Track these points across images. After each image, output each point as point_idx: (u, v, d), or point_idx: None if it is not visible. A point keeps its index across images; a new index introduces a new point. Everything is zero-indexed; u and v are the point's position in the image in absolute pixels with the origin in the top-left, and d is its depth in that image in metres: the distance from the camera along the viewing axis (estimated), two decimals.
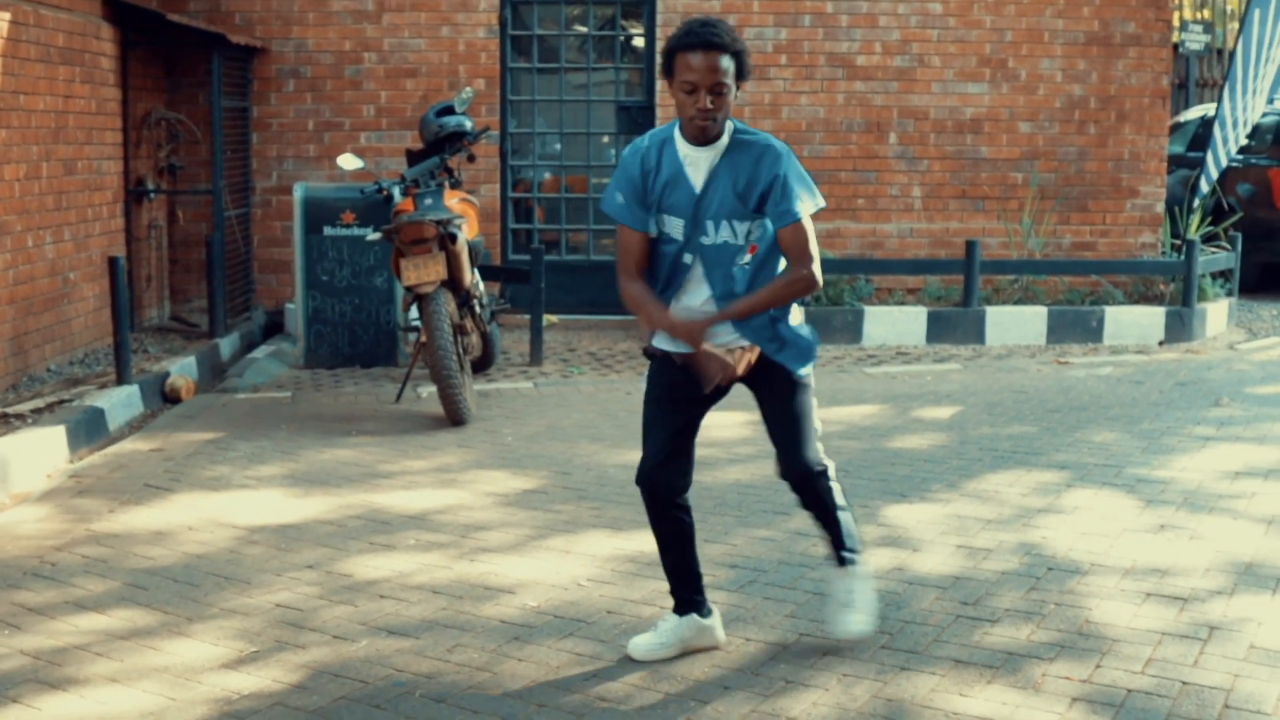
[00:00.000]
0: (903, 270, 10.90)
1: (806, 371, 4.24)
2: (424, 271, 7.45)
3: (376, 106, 11.12)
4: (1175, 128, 15.24)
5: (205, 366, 9.26)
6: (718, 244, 4.06)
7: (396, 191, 7.96)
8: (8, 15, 8.01)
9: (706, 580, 4.94)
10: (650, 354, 4.20)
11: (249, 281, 11.03)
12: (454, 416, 7.50)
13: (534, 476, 6.48)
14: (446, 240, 7.57)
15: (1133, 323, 10.60)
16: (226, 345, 9.89)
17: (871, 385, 8.81)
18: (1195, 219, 11.57)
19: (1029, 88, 11.34)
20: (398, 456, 6.90)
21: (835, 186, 11.29)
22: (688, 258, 4.08)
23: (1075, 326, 10.55)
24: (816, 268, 4.06)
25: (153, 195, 10.45)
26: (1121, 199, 11.51)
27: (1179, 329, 10.61)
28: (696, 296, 4.13)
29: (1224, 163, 11.83)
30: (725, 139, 4.05)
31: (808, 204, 4.05)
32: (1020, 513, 5.83)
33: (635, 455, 6.62)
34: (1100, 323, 10.57)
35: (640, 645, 4.27)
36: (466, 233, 7.95)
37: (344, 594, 4.84)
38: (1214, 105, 13.22)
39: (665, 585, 4.90)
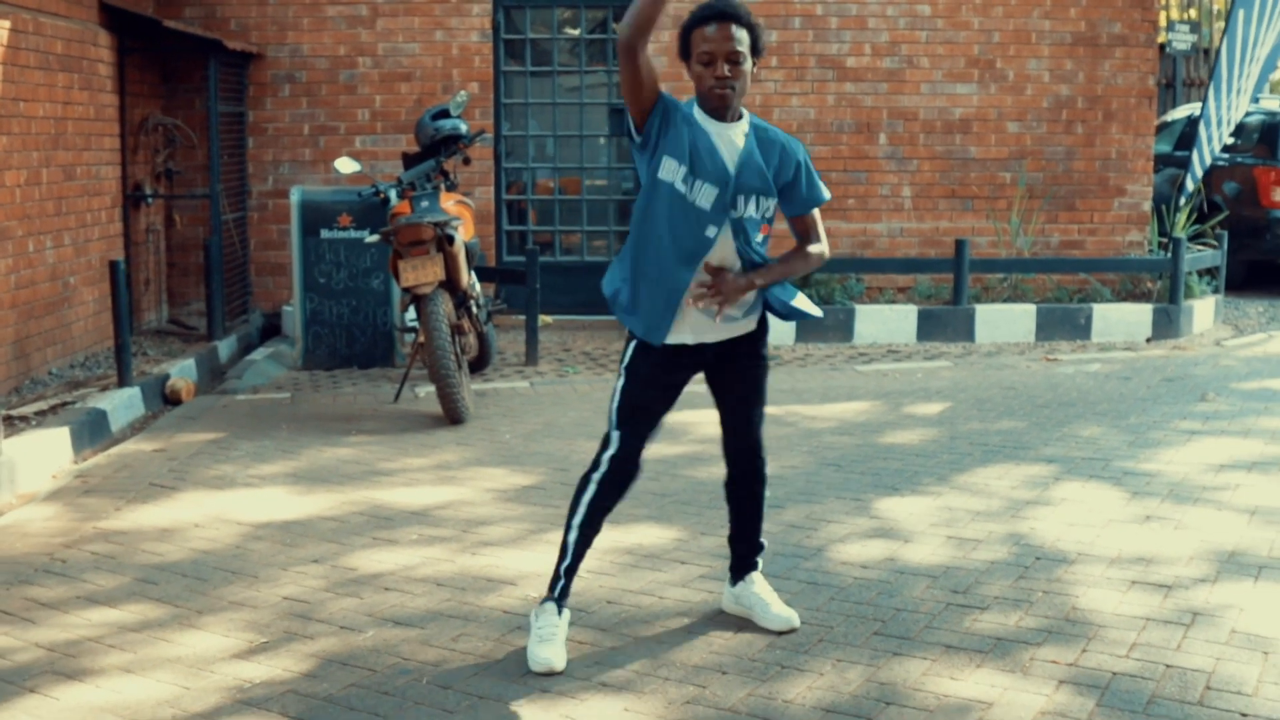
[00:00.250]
0: (893, 269, 11.03)
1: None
2: (422, 273, 7.57)
3: (371, 110, 11.23)
4: (1162, 127, 15.39)
5: (204, 369, 9.37)
6: (744, 218, 4.19)
7: (393, 194, 8.07)
8: (8, 23, 8.12)
9: (702, 572, 5.08)
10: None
11: (246, 284, 11.13)
12: (452, 415, 7.62)
13: (532, 473, 6.59)
14: (444, 242, 7.69)
15: (1120, 320, 10.73)
16: (225, 348, 10.00)
17: (863, 382, 8.93)
18: (1182, 217, 11.71)
19: (1017, 88, 11.48)
20: (398, 454, 7.01)
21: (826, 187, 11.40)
22: (711, 230, 4.15)
23: (1064, 324, 10.69)
24: (826, 244, 4.42)
25: (150, 200, 10.55)
26: (1109, 198, 11.65)
27: (1166, 326, 10.75)
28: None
29: (1208, 161, 11.97)
30: (746, 122, 4.22)
31: (825, 190, 4.39)
32: (1009, 505, 5.95)
33: None
34: (1088, 320, 10.71)
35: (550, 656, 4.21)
36: (463, 234, 8.07)
37: (349, 587, 4.96)
38: (1200, 104, 13.36)
39: (664, 576, 5.05)
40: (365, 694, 4.00)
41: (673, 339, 4.24)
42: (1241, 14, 11.30)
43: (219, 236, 10.20)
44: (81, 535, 5.63)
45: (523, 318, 9.89)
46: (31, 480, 6.56)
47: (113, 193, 9.82)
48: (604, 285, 4.36)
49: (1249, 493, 6.12)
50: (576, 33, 11.54)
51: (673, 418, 4.79)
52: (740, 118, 4.21)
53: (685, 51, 4.13)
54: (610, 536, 5.50)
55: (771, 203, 4.25)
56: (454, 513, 5.92)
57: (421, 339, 7.65)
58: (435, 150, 8.47)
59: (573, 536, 4.30)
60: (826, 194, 4.38)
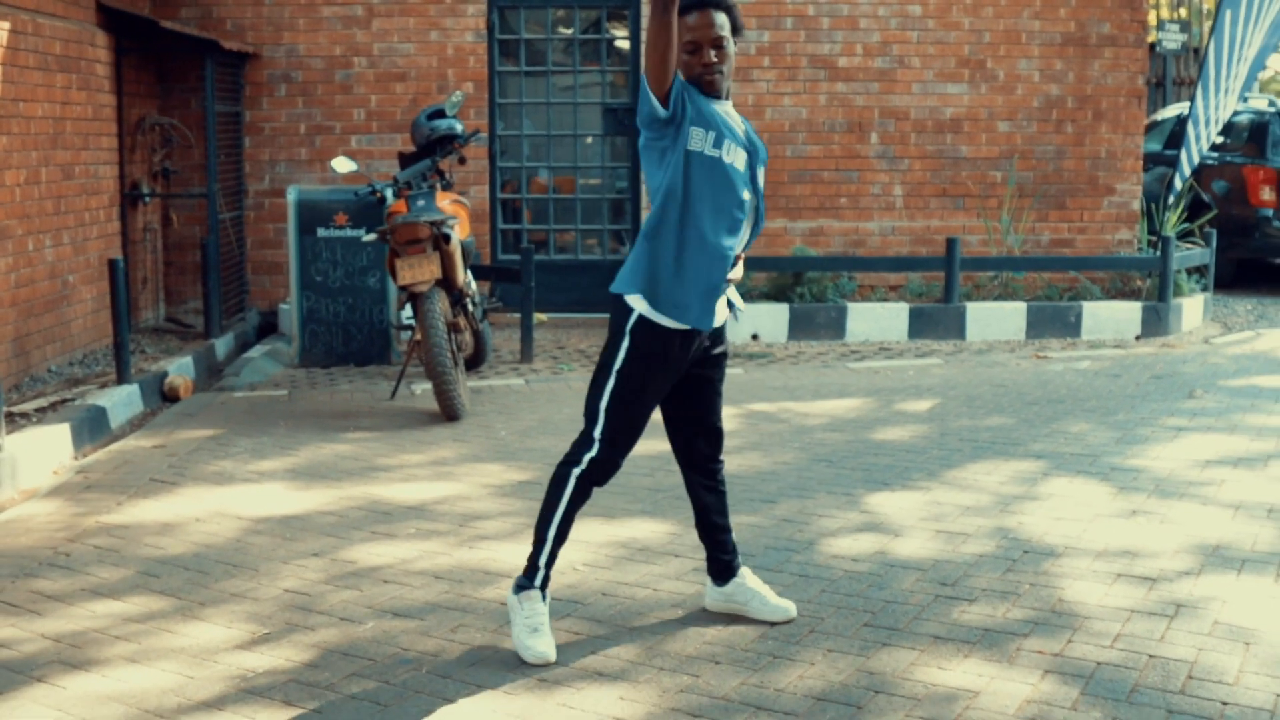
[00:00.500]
0: (885, 267, 11.12)
1: None
2: (419, 271, 7.65)
3: (367, 110, 11.31)
4: (1152, 126, 15.51)
5: (202, 366, 9.45)
6: (759, 188, 4.35)
7: (389, 194, 8.15)
8: (7, 24, 8.19)
9: (696, 565, 5.16)
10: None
11: (243, 283, 11.21)
12: (449, 412, 7.70)
13: (528, 469, 6.68)
14: (440, 240, 7.77)
15: (1110, 318, 10.83)
16: (222, 345, 10.07)
17: (855, 380, 9.03)
18: (1171, 216, 11.81)
19: (1007, 88, 11.58)
20: (395, 451, 7.10)
21: (818, 186, 11.52)
22: (746, 193, 4.26)
23: (1054, 322, 10.79)
24: None
25: (148, 199, 10.63)
26: (1099, 196, 11.75)
27: (1155, 323, 10.85)
28: (742, 238, 4.33)
29: (1196, 160, 12.08)
30: (731, 103, 4.34)
31: None
32: (998, 500, 6.05)
33: None
34: (1078, 318, 10.80)
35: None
36: (459, 233, 8.15)
37: (349, 579, 5.04)
38: (1189, 104, 13.47)
39: (657, 569, 5.14)
40: (366, 683, 4.09)
41: (674, 318, 4.21)
42: (1229, 14, 11.41)
43: (216, 235, 10.27)
44: (84, 529, 5.71)
45: (518, 316, 9.97)
46: (33, 476, 6.64)
47: (111, 192, 9.90)
48: (625, 285, 4.23)
49: (1234, 488, 6.22)
50: (570, 33, 11.62)
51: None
52: (728, 97, 4.33)
53: None
54: (605, 530, 5.60)
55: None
56: (451, 507, 6.01)
57: (418, 337, 7.73)
58: (431, 150, 8.55)
59: (552, 532, 4.32)
60: None
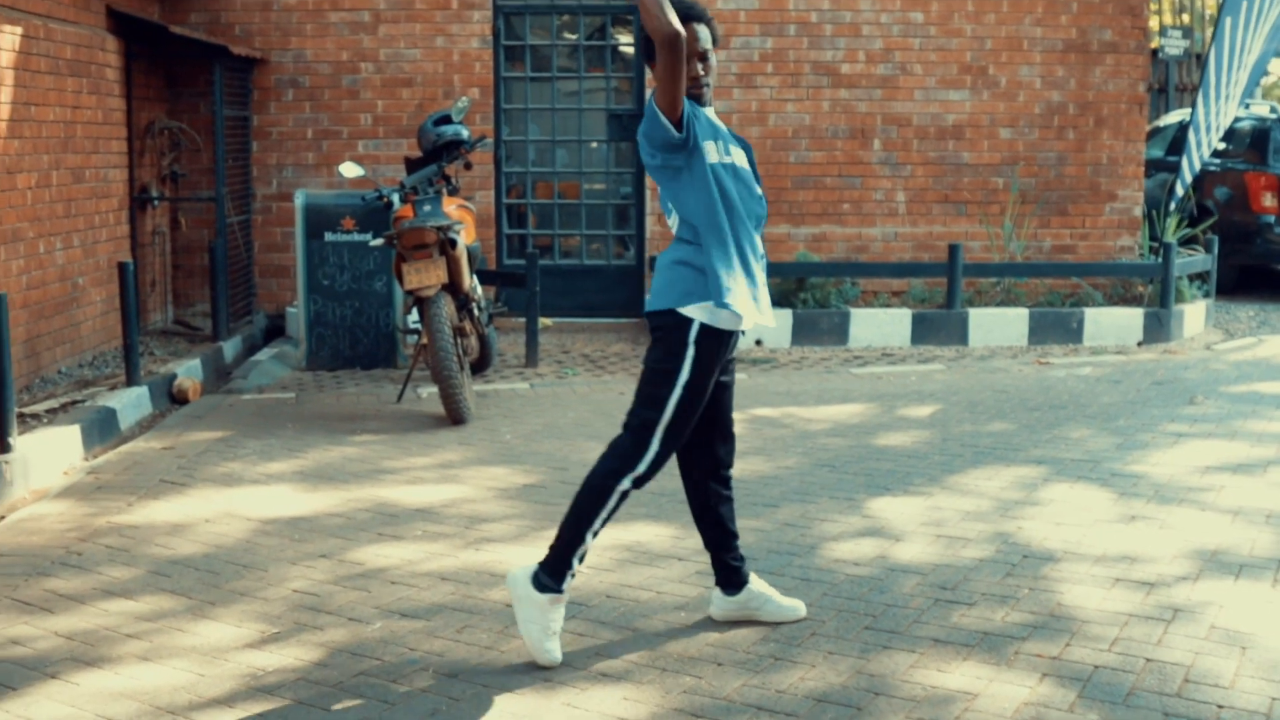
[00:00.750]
0: (887, 273, 11.19)
1: None
2: (425, 276, 7.72)
3: (374, 115, 11.38)
4: (1155, 132, 15.57)
5: (210, 369, 9.52)
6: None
7: (396, 198, 8.22)
8: (19, 30, 8.27)
9: (699, 568, 5.23)
10: None
11: (250, 286, 11.29)
12: (454, 415, 7.77)
13: (533, 472, 6.75)
14: (446, 245, 7.85)
15: (1112, 324, 10.89)
16: (229, 348, 10.15)
17: (857, 385, 9.09)
18: (1172, 222, 11.87)
19: (1009, 94, 11.65)
20: (401, 454, 7.17)
21: (821, 192, 11.59)
22: (758, 188, 4.44)
23: (1056, 328, 10.85)
24: None
25: (156, 202, 10.71)
26: (1100, 203, 11.81)
27: (1157, 330, 10.91)
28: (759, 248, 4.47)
29: (1198, 166, 12.13)
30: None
31: None
32: (998, 505, 6.11)
33: None
34: (1080, 324, 10.86)
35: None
36: (465, 238, 8.23)
37: (357, 580, 5.12)
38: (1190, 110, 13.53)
39: (661, 572, 5.21)
40: (374, 682, 4.16)
41: (712, 320, 4.31)
42: (1229, 21, 11.47)
43: (224, 239, 10.35)
44: (95, 529, 5.79)
45: (523, 320, 10.04)
46: (44, 476, 6.72)
47: (120, 195, 9.98)
48: (679, 298, 4.30)
49: (1233, 494, 6.27)
50: (575, 38, 11.69)
51: None
52: (710, 104, 4.47)
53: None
54: (608, 534, 5.66)
55: None
56: (457, 510, 6.08)
57: (424, 341, 7.81)
58: (437, 155, 8.62)
59: (592, 534, 4.35)
60: None
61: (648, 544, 5.55)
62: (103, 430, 7.57)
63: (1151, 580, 5.08)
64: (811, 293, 10.83)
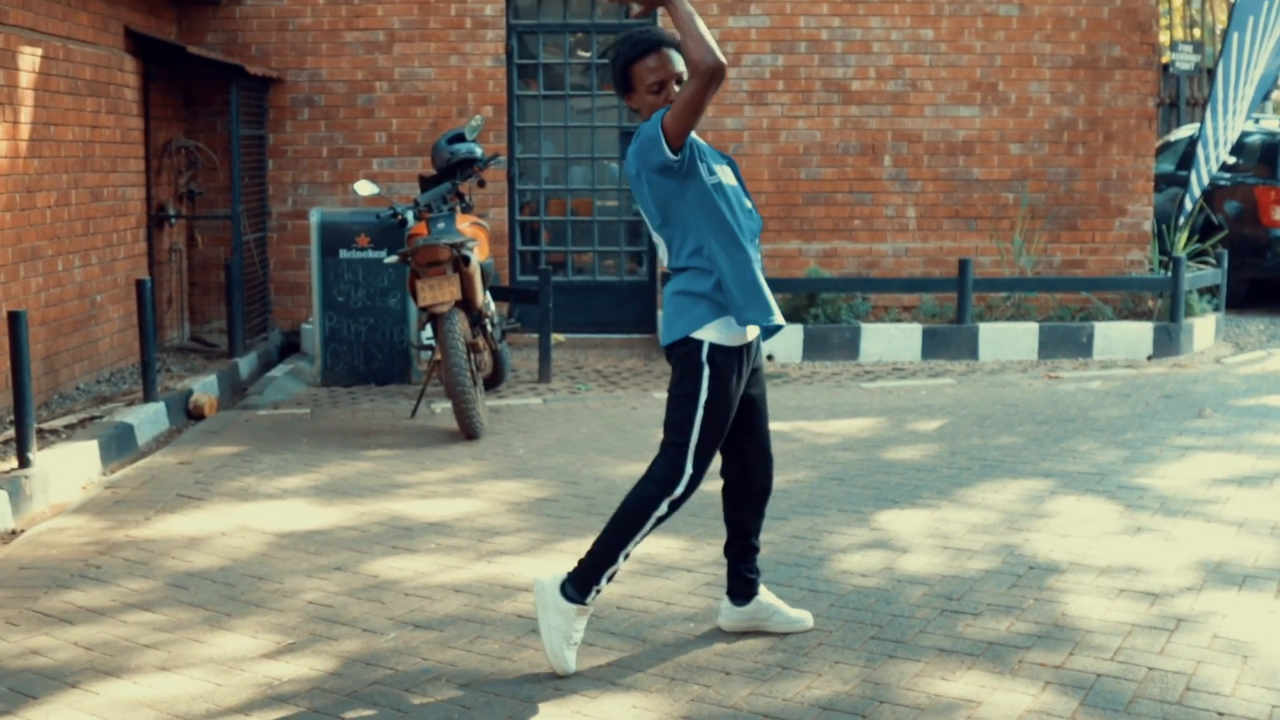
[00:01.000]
0: (898, 288, 11.26)
1: None
2: (439, 292, 7.82)
3: (388, 133, 11.50)
4: (1166, 146, 15.62)
5: (226, 385, 9.63)
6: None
7: (410, 216, 8.32)
8: (39, 51, 8.40)
9: (707, 580, 5.29)
10: None
11: (266, 303, 11.40)
12: (468, 430, 7.86)
13: (545, 486, 6.83)
14: (460, 262, 7.94)
15: (1122, 338, 10.94)
16: (245, 364, 10.26)
17: (868, 399, 9.16)
18: (1182, 236, 11.92)
19: (1019, 110, 11.72)
20: (415, 468, 7.25)
21: (832, 208, 11.68)
22: (749, 201, 4.52)
23: (1066, 342, 10.90)
24: None
25: (173, 220, 10.84)
26: (1110, 217, 11.87)
27: (1167, 344, 10.95)
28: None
29: (1206, 181, 12.19)
30: None
31: None
32: (1005, 517, 6.17)
33: (641, 467, 6.99)
34: (1090, 338, 10.91)
35: None
36: (478, 255, 8.32)
37: (371, 592, 5.20)
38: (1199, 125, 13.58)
39: (670, 584, 5.28)
40: (388, 691, 4.24)
41: (776, 319, 4.40)
42: (1236, 36, 11.53)
43: (240, 256, 10.46)
44: (114, 543, 5.88)
45: (536, 336, 10.13)
46: (63, 491, 6.82)
47: (138, 213, 10.11)
48: (687, 326, 4.39)
49: (1239, 506, 6.32)
50: (588, 56, 11.80)
51: None
52: None
53: (627, 86, 4.43)
54: None
55: None
56: (470, 523, 6.16)
57: (438, 356, 7.90)
58: (451, 173, 8.72)
59: (627, 552, 4.42)
60: None
61: (657, 556, 5.62)
62: (120, 445, 7.67)
63: (1155, 591, 5.14)
64: (823, 308, 10.91)
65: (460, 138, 8.88)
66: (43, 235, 8.47)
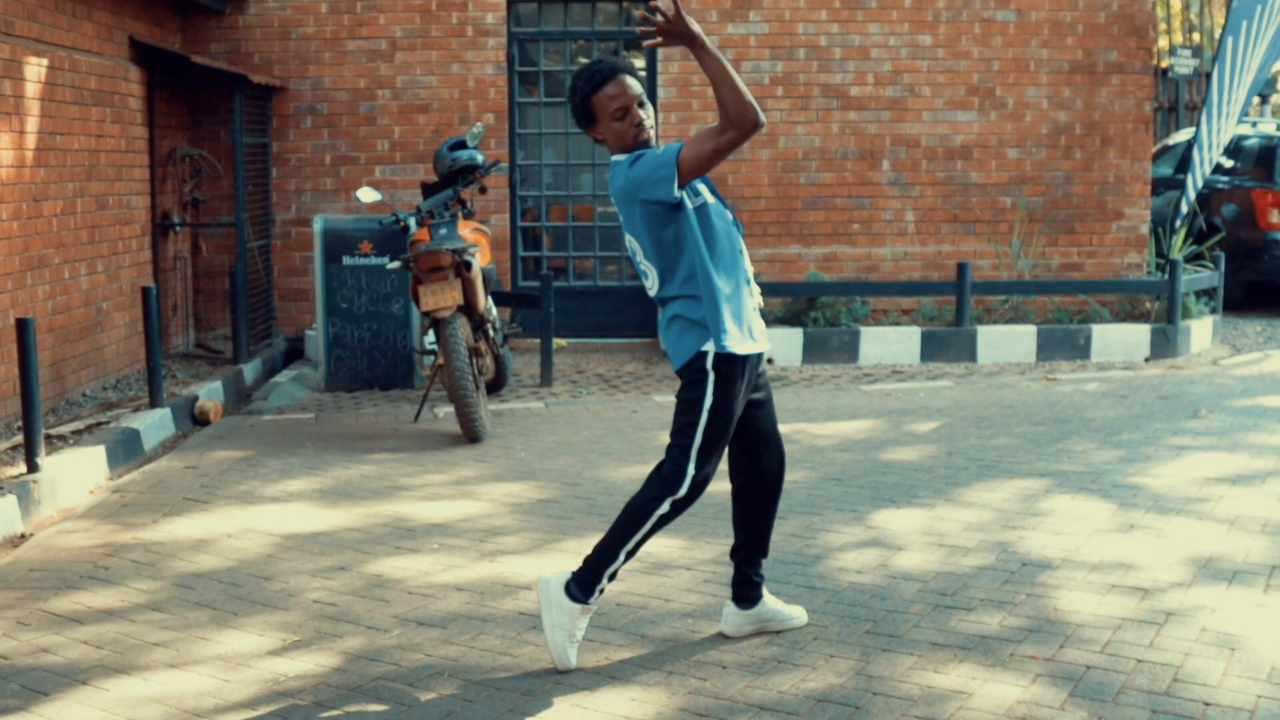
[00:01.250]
0: (897, 292, 11.34)
1: None
2: (441, 297, 7.91)
3: (390, 141, 11.60)
4: (1164, 150, 15.72)
5: (231, 390, 9.73)
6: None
7: (413, 222, 8.42)
8: (45, 61, 8.51)
9: (705, 577, 5.38)
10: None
11: (270, 309, 11.49)
12: (470, 434, 7.95)
13: (547, 488, 6.92)
14: (462, 268, 8.04)
15: (1119, 340, 11.02)
16: (250, 370, 10.35)
17: (866, 402, 9.24)
18: (1178, 239, 12.01)
19: (1016, 115, 11.81)
20: (418, 471, 7.35)
21: (831, 212, 11.76)
22: (729, 214, 4.57)
23: (1064, 344, 10.98)
24: None
25: (178, 228, 10.94)
26: (1107, 221, 11.95)
27: (1164, 345, 11.03)
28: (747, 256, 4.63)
29: (1200, 184, 12.26)
30: None
31: None
32: (999, 516, 6.26)
33: (642, 469, 7.13)
34: (1088, 340, 11.00)
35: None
36: (480, 261, 8.41)
37: (375, 591, 5.29)
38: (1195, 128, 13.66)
39: (669, 581, 5.37)
40: (391, 686, 4.34)
41: (731, 345, 4.45)
42: (1230, 40, 11.62)
43: (244, 263, 10.56)
44: (121, 545, 5.98)
45: (538, 341, 10.23)
46: (71, 495, 6.92)
47: (143, 221, 10.21)
48: (692, 347, 4.45)
49: (1230, 504, 6.41)
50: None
51: None
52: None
53: (590, 117, 4.46)
54: None
55: None
56: (472, 524, 6.25)
57: (440, 361, 7.99)
58: (453, 180, 8.81)
59: (627, 552, 4.50)
60: None
61: (656, 554, 5.71)
62: (127, 451, 7.77)
63: (1146, 586, 5.22)
64: (822, 311, 11.00)
65: (462, 145, 8.97)
66: (49, 243, 8.57)
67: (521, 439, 8.11)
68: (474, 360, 8.13)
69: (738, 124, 4.17)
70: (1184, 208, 12.19)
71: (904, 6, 11.66)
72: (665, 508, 4.48)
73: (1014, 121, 11.81)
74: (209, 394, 9.24)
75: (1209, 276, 11.80)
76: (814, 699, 4.20)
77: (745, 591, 4.78)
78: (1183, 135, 15.94)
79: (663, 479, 4.49)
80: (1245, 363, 10.76)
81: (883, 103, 11.75)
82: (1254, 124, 13.84)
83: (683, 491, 4.47)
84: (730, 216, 4.58)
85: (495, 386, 9.25)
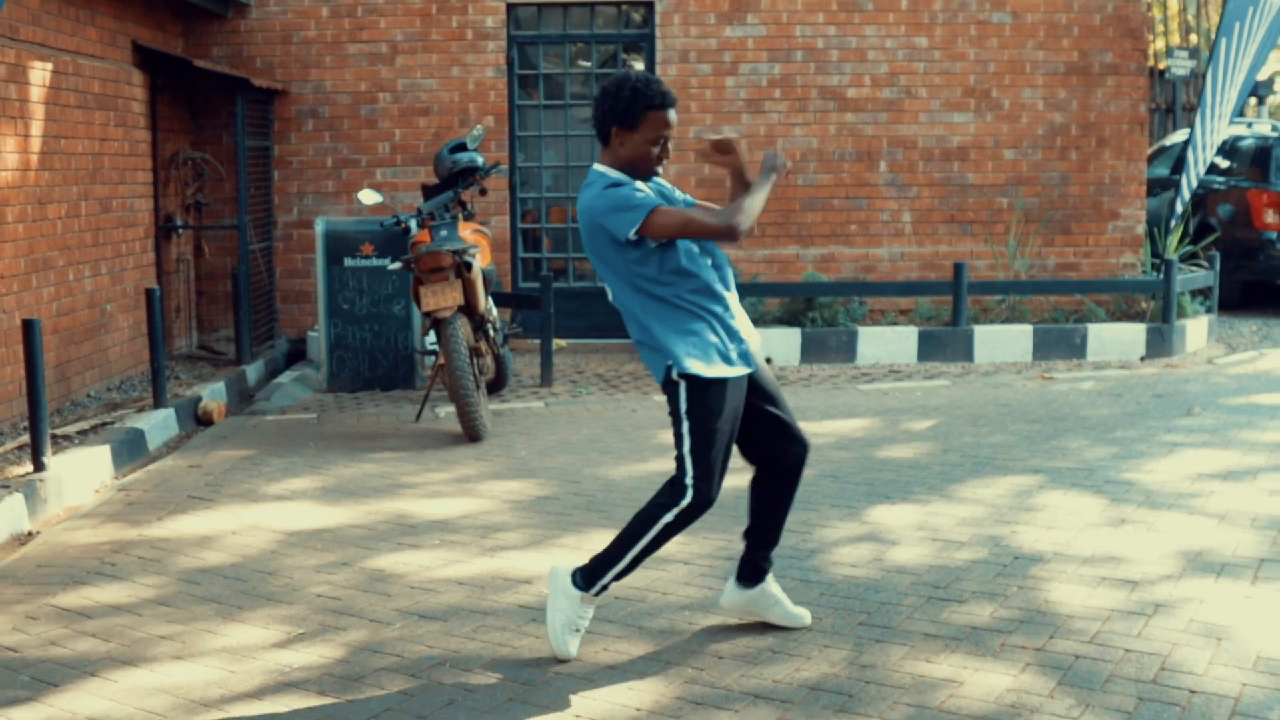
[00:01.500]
0: (894, 292, 11.43)
1: None
2: (442, 298, 8.00)
3: (391, 144, 11.69)
4: (1161, 151, 15.80)
5: (234, 391, 9.82)
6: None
7: (414, 224, 8.50)
8: (49, 65, 8.60)
9: (703, 571, 5.47)
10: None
11: (272, 311, 11.58)
12: (471, 433, 8.03)
13: (547, 485, 7.01)
14: (462, 269, 8.13)
15: (1115, 339, 11.10)
16: (252, 371, 10.44)
17: (864, 401, 9.33)
18: (1173, 239, 12.09)
19: (1012, 116, 11.90)
20: (419, 469, 7.44)
21: (829, 213, 11.85)
22: (723, 262, 4.66)
23: (1060, 343, 11.07)
24: None
25: (181, 231, 11.03)
26: (1103, 221, 12.04)
27: (1160, 345, 11.11)
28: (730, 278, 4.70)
29: (1194, 184, 12.34)
30: None
31: None
32: (993, 511, 6.34)
33: (640, 467, 7.23)
34: (1084, 340, 11.08)
35: None
36: (480, 261, 8.50)
37: (377, 586, 5.38)
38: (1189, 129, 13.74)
39: (667, 575, 5.45)
40: (394, 676, 4.42)
41: (716, 371, 4.49)
42: (1224, 41, 11.71)
43: (246, 265, 10.65)
44: (127, 542, 6.07)
45: (538, 341, 10.31)
46: (77, 494, 7.01)
47: (146, 224, 10.30)
48: (661, 372, 4.52)
49: (1221, 499, 6.49)
50: (588, 66, 11.99)
51: None
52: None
53: (630, 123, 4.44)
54: None
55: None
56: (473, 521, 6.34)
57: (441, 361, 8.08)
58: (453, 182, 8.90)
59: (631, 556, 4.55)
60: None
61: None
62: (132, 450, 7.86)
63: (1136, 579, 5.30)
64: (820, 312, 11.08)
65: (462, 147, 9.06)
66: (54, 246, 8.66)
67: (522, 438, 8.20)
68: (475, 360, 8.22)
69: (729, 227, 4.34)
70: (1179, 207, 12.27)
71: (900, 9, 11.75)
72: (670, 517, 4.51)
73: (1010, 123, 11.90)
74: (212, 395, 9.33)
75: (1204, 276, 11.89)
76: (808, 688, 4.28)
77: (749, 571, 4.82)
78: (1179, 136, 16.03)
79: (668, 488, 4.56)
80: (1240, 361, 10.84)
81: (879, 104, 11.84)
82: (1249, 124, 13.92)
83: (686, 500, 4.49)
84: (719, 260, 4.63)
85: (496, 386, 9.34)
